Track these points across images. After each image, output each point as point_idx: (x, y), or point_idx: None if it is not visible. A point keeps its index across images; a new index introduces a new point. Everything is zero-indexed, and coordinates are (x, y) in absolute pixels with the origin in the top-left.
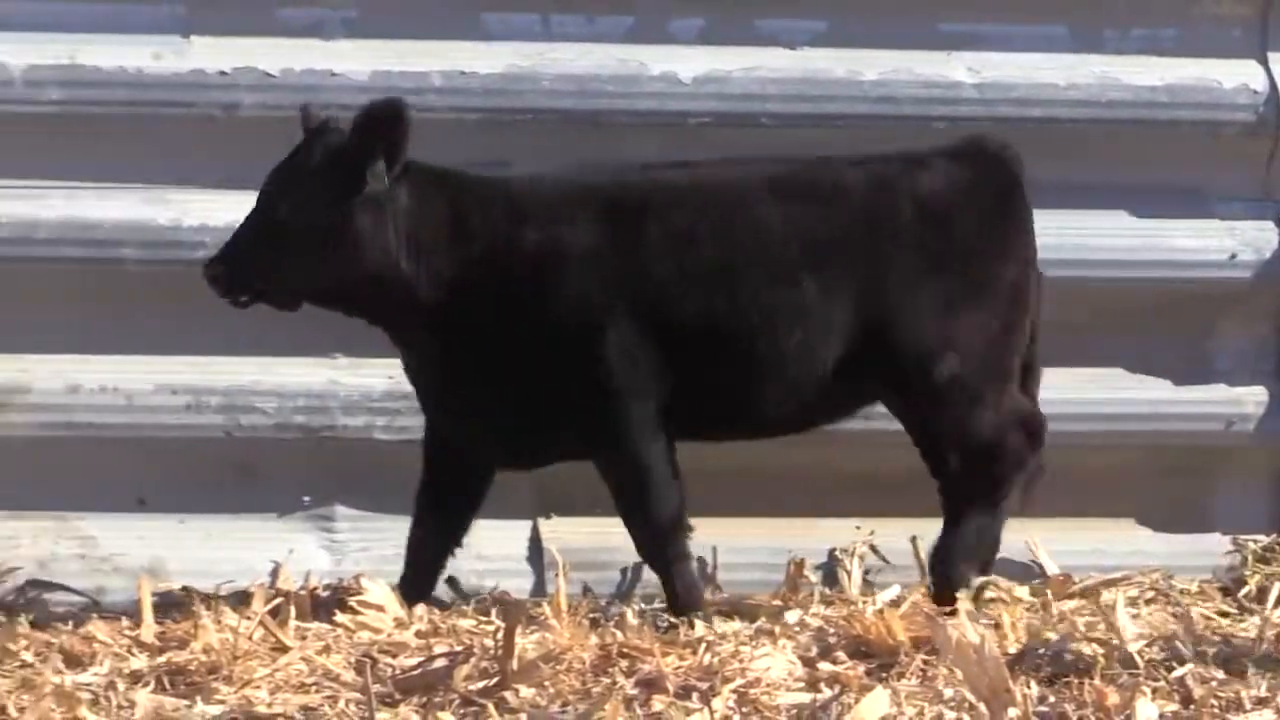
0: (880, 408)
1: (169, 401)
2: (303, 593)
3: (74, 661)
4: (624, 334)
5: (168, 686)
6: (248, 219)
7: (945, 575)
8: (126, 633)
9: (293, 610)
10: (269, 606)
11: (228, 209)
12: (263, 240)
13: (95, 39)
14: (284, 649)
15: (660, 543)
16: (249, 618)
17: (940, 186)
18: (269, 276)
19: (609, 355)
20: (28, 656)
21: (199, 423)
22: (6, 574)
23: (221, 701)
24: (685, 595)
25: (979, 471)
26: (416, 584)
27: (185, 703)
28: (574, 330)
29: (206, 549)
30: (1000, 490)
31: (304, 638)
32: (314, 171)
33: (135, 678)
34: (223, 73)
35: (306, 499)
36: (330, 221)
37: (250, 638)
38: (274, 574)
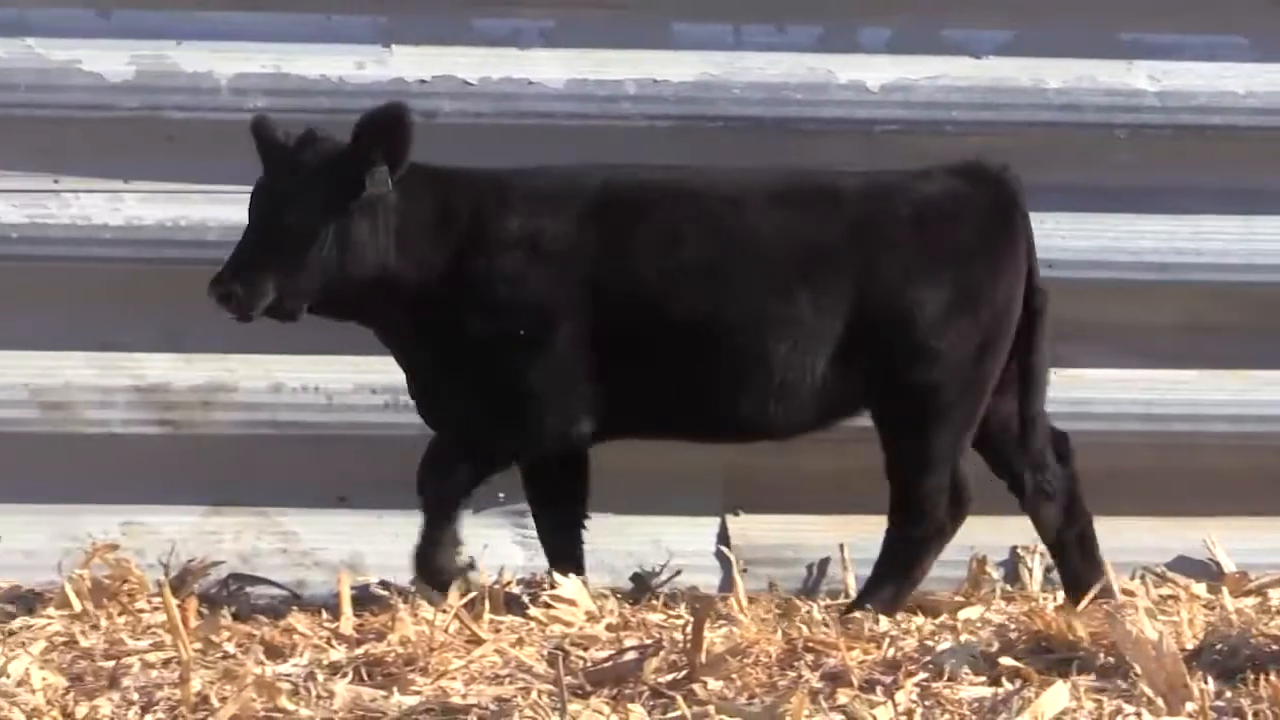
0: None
1: (368, 400)
2: (497, 587)
3: (274, 653)
4: (580, 331)
5: (365, 678)
6: (249, 234)
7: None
8: (326, 625)
9: (487, 604)
10: (464, 600)
11: None
12: (271, 252)
13: (300, 48)
14: (478, 641)
15: (442, 499)
16: (444, 611)
17: (937, 196)
18: (281, 287)
19: (558, 350)
20: (230, 648)
21: (397, 421)
22: (210, 568)
23: (418, 692)
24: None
25: (908, 515)
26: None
27: (382, 693)
28: (532, 324)
29: (404, 544)
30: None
31: (498, 630)
32: (312, 179)
33: (334, 669)
34: (422, 81)
35: (502, 495)
36: (332, 227)
37: (446, 630)
38: (470, 567)
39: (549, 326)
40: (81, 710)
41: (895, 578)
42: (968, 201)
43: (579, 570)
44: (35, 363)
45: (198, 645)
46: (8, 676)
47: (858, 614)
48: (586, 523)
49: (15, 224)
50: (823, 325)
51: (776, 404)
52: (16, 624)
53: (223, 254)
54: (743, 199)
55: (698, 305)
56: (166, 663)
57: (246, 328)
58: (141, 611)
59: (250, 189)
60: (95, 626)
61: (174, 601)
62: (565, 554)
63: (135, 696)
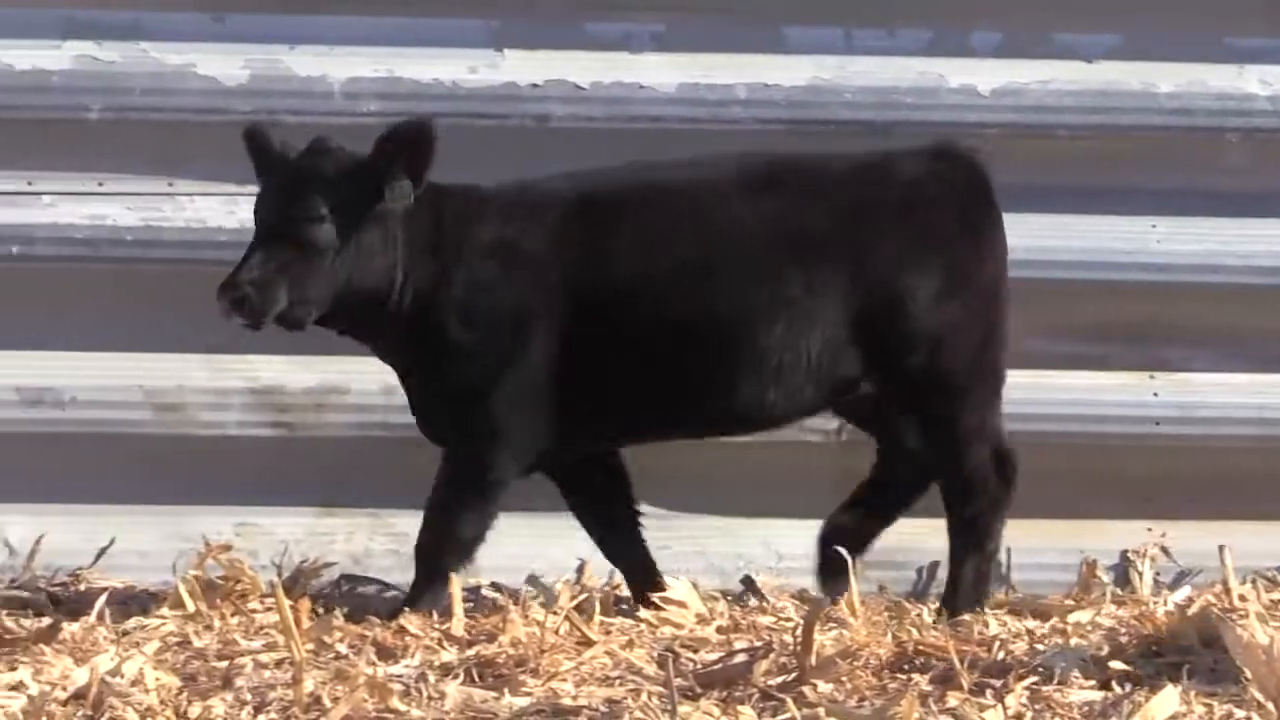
0: None
1: None
2: (607, 589)
3: (386, 654)
4: (555, 343)
5: (476, 679)
6: (261, 241)
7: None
8: (437, 626)
9: (597, 606)
10: (575, 602)
11: None
12: (284, 261)
13: (413, 52)
14: (589, 643)
15: (441, 553)
16: (555, 613)
17: (921, 175)
18: (293, 295)
19: (530, 361)
20: (342, 648)
21: None
22: (323, 569)
23: (528, 694)
24: (419, 602)
25: (960, 496)
26: (642, 584)
27: (493, 694)
28: (507, 332)
29: (514, 546)
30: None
31: (608, 632)
32: (329, 188)
33: (445, 670)
34: (534, 85)
35: None
36: (347, 236)
37: (557, 632)
38: (579, 570)
39: (531, 333)
40: (194, 710)
41: (973, 562)
42: (951, 183)
43: (651, 572)
44: (150, 365)
45: (310, 646)
46: (122, 676)
47: (965, 616)
48: (642, 520)
49: (130, 227)
50: (815, 310)
51: (773, 392)
52: (130, 624)
53: None
54: (724, 191)
55: (688, 301)
56: (279, 663)
57: None
58: (254, 612)
59: None
60: (209, 627)
61: (287, 602)
62: (628, 557)
63: (248, 697)
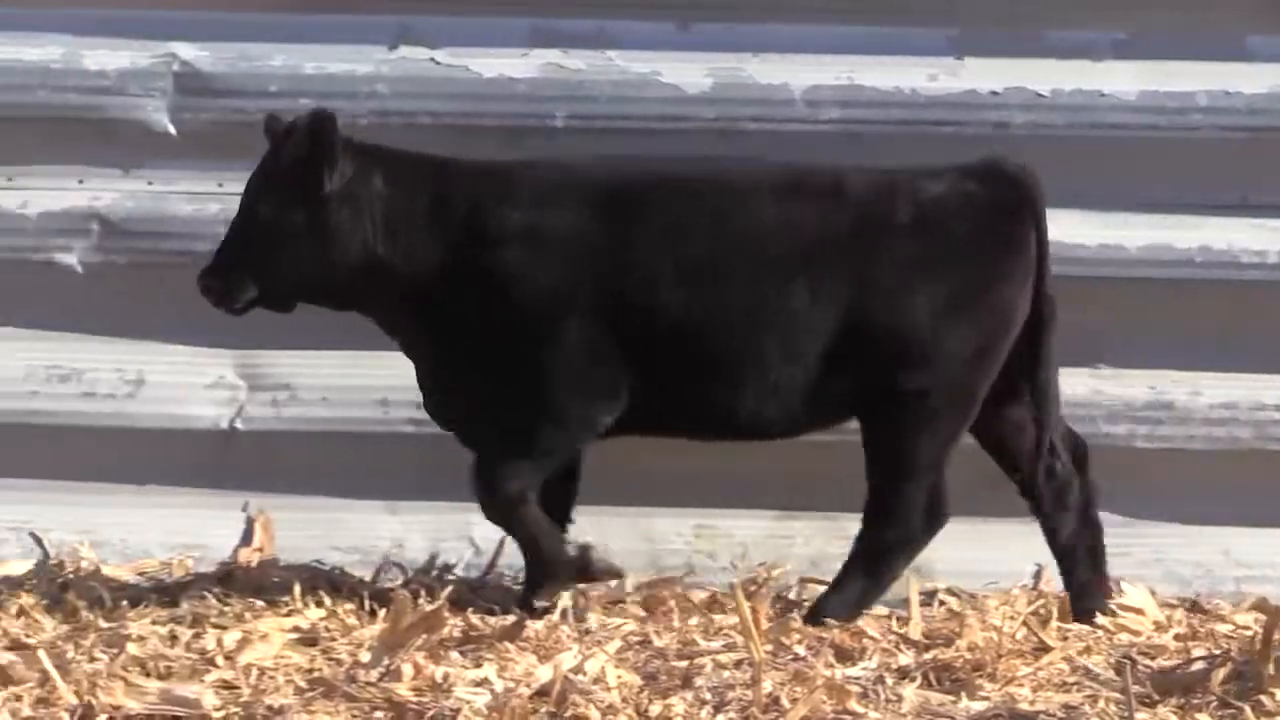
0: None
1: None
2: (1063, 594)
3: (844, 656)
4: (588, 326)
5: (934, 682)
6: (232, 227)
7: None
8: (895, 630)
9: (1054, 611)
10: (1032, 608)
11: None
12: (249, 245)
13: (873, 60)
14: (1046, 649)
15: (507, 510)
16: (1012, 618)
17: (941, 195)
18: (261, 279)
19: (565, 346)
20: (800, 650)
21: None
22: (780, 572)
23: (985, 698)
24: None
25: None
26: None
27: (950, 698)
28: (537, 316)
29: (971, 551)
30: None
31: (1065, 638)
32: (285, 173)
33: (902, 673)
34: (994, 92)
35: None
36: (305, 220)
37: (1014, 637)
38: (1036, 576)
39: (556, 319)
40: (655, 709)
41: (862, 581)
42: (972, 203)
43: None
44: None
45: (769, 647)
46: (584, 674)
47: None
48: (570, 527)
49: None
50: (817, 323)
51: (772, 402)
52: (593, 623)
53: None
54: (747, 192)
55: (694, 301)
56: (738, 664)
57: None
58: (714, 613)
59: None
60: (669, 628)
61: (746, 604)
62: None
63: (708, 696)
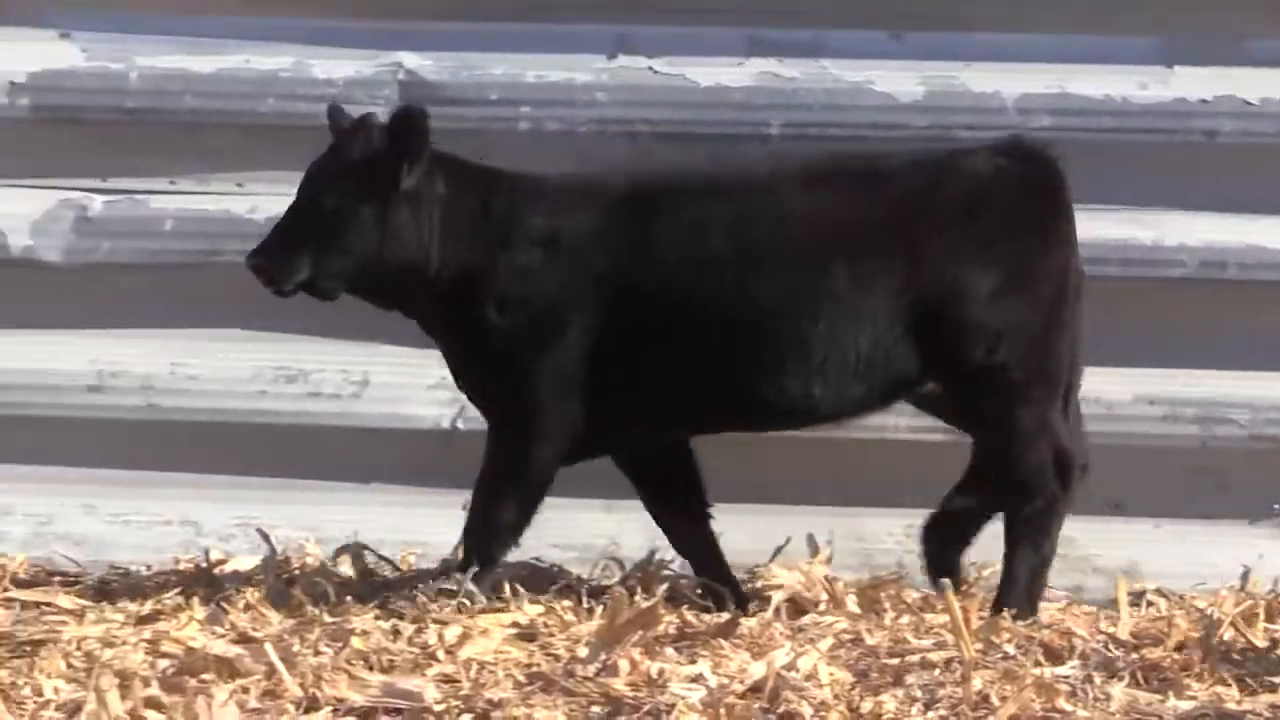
0: None
1: (1146, 412)
2: (1271, 596)
3: (1053, 655)
4: (591, 334)
5: (1142, 681)
6: (290, 211)
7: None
8: (1103, 629)
9: (1261, 612)
10: (1239, 609)
11: (1211, 230)
12: (307, 232)
13: (1084, 69)
14: (1254, 649)
15: (489, 534)
16: (1222, 618)
17: (985, 172)
18: (316, 265)
19: (566, 353)
20: (1009, 649)
21: (1174, 433)
22: (990, 572)
23: (1193, 697)
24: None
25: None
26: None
27: (1158, 697)
28: (549, 319)
29: (1180, 552)
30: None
31: (1273, 639)
32: (355, 166)
33: (1111, 671)
34: (1204, 101)
35: (1277, 506)
36: (371, 213)
37: (1221, 638)
38: (1243, 578)
39: (577, 320)
40: (866, 705)
41: (1027, 563)
42: (1013, 179)
43: (720, 562)
44: None
45: (979, 646)
46: (797, 670)
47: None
48: (711, 512)
49: None
50: (865, 307)
51: (818, 388)
52: (806, 620)
53: None
54: (776, 184)
55: (732, 292)
56: (948, 662)
57: None
58: (924, 612)
59: None
60: (880, 626)
61: (957, 603)
62: (698, 549)
63: (918, 694)
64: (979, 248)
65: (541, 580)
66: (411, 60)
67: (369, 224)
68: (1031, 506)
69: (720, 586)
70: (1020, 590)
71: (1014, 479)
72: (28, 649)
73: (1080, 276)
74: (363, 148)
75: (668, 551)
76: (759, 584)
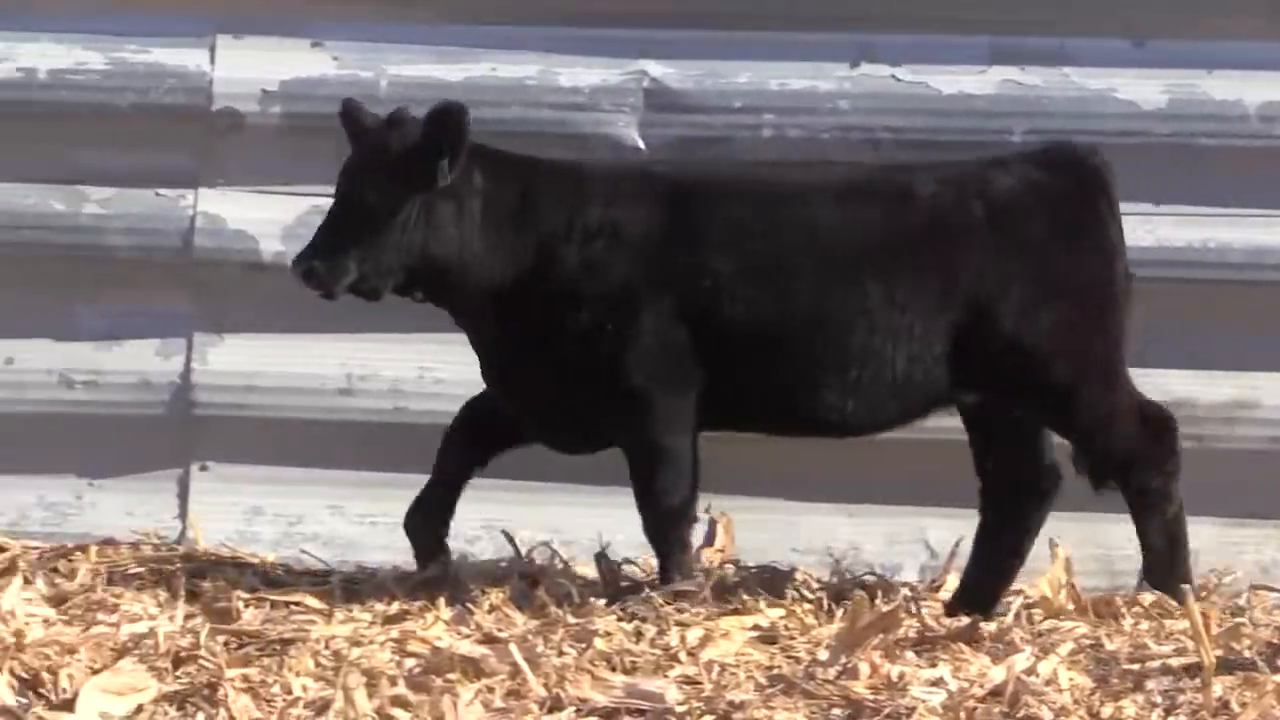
0: None
1: None
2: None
3: None
4: (664, 322)
5: None
6: (332, 214)
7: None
8: None
9: None
10: None
11: None
12: (351, 233)
13: None
14: None
15: (665, 529)
16: None
17: (1014, 186)
18: (362, 265)
19: (644, 342)
20: (1250, 655)
21: None
22: (1230, 579)
23: None
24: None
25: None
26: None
27: None
28: (615, 313)
29: None
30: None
31: None
32: (396, 163)
33: None
34: None
35: None
36: (415, 209)
37: None
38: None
39: (636, 312)
40: (1106, 711)
41: (1156, 525)
42: (1044, 190)
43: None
44: None
45: (1219, 652)
46: (1037, 675)
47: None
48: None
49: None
50: (899, 322)
51: (854, 400)
52: (1045, 625)
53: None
54: (816, 194)
55: (770, 301)
56: (1188, 668)
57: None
58: (1164, 618)
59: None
60: (1120, 631)
61: (1197, 609)
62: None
63: (1158, 699)
64: (1008, 260)
65: (781, 583)
66: (656, 68)
67: (413, 221)
68: (1138, 478)
69: None
70: (1163, 559)
71: (1108, 463)
72: (277, 647)
73: (1128, 280)
74: (400, 144)
75: (906, 557)
76: None
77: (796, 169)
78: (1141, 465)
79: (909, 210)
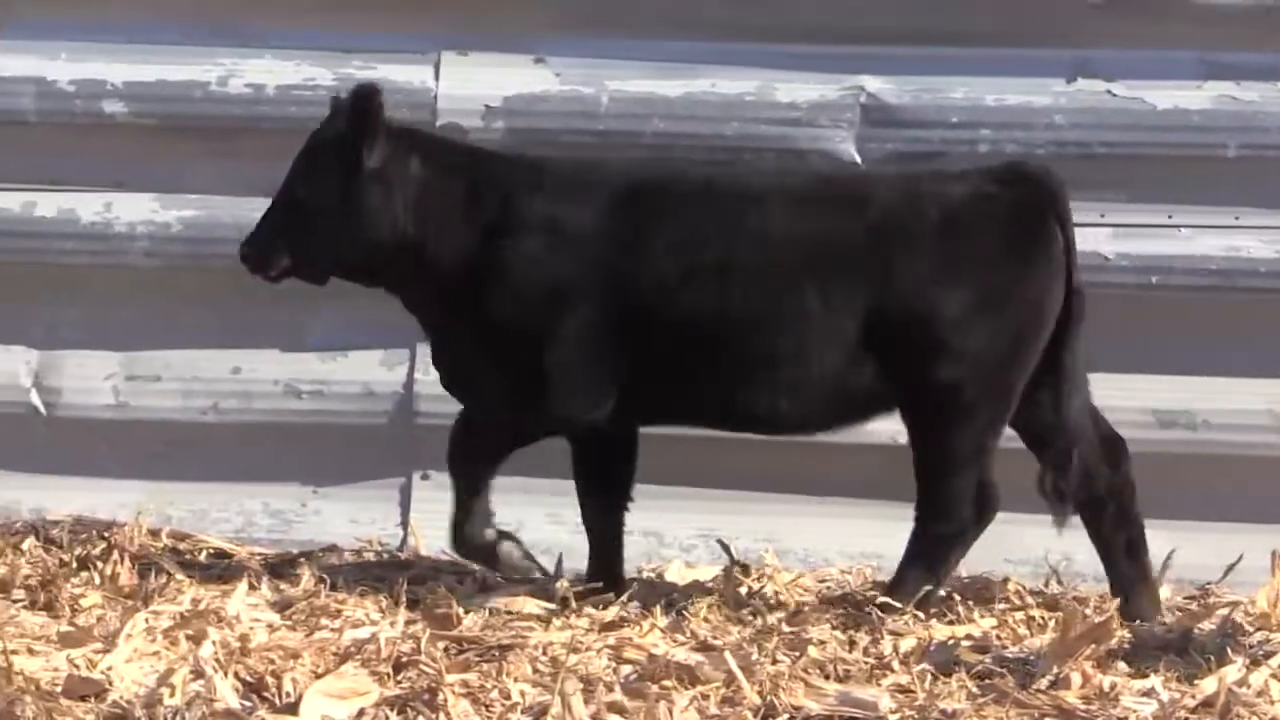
0: None
1: None
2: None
3: None
4: (593, 317)
5: None
6: (273, 201)
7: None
8: None
9: None
10: None
11: None
12: (285, 220)
13: None
14: None
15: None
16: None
17: (965, 197)
18: (294, 253)
19: (570, 336)
20: None
21: None
22: None
23: None
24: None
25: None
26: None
27: None
28: (548, 306)
29: None
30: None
31: None
32: (324, 152)
33: None
34: None
35: None
36: (342, 197)
37: None
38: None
39: (568, 311)
40: None
41: (917, 575)
42: (995, 204)
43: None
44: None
45: None
46: (1248, 687)
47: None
48: (630, 505)
49: (1265, 259)
50: (835, 324)
51: (786, 400)
52: (1257, 637)
53: None
54: (766, 197)
55: (710, 300)
56: None
57: None
58: None
59: None
60: None
61: None
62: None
63: None
64: (948, 270)
65: (994, 594)
66: (873, 84)
67: (337, 207)
68: (943, 528)
69: None
70: (907, 599)
71: (936, 499)
72: (496, 653)
73: (1081, 299)
74: (330, 132)
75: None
76: (1210, 600)
77: (758, 170)
78: (953, 521)
79: (857, 216)
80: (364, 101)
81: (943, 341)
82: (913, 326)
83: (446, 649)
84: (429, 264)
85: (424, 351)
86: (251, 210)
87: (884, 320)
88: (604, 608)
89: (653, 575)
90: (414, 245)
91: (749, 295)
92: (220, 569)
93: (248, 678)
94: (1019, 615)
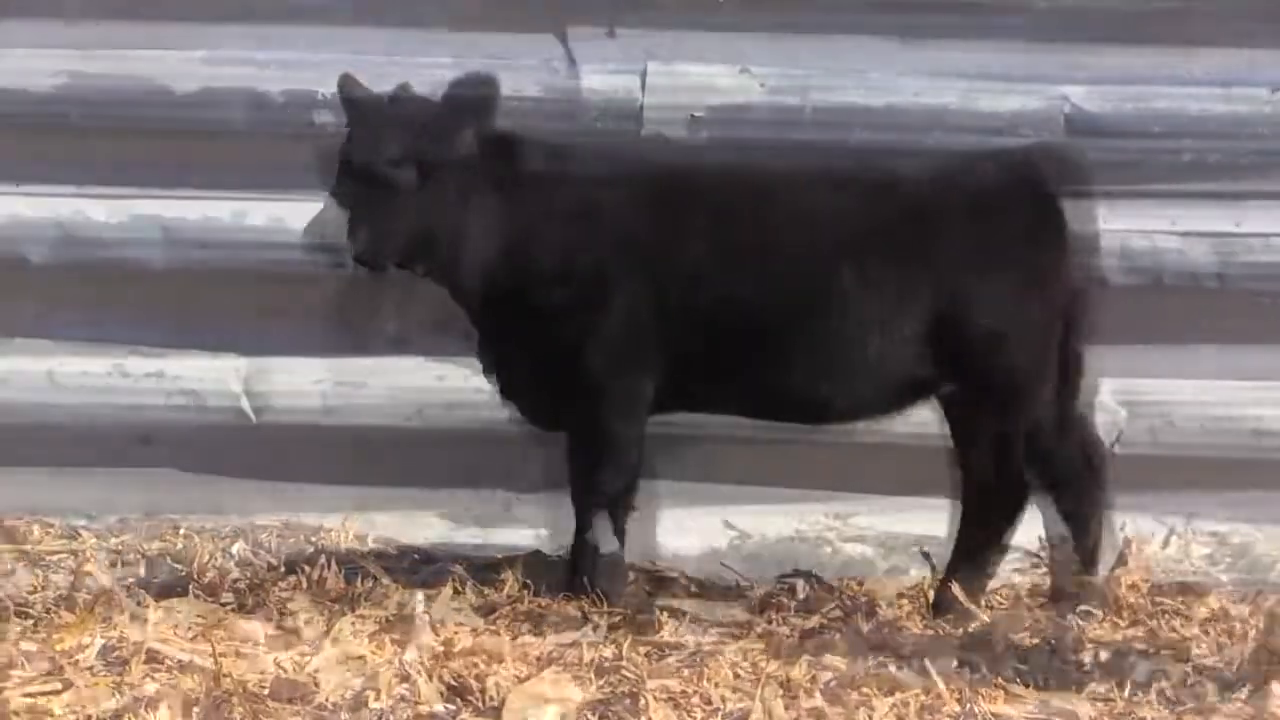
0: None
1: None
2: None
3: None
4: (634, 307)
5: None
6: (339, 185)
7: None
8: None
9: None
10: None
11: None
12: (363, 202)
13: None
14: None
15: (588, 518)
16: None
17: (989, 179)
18: (366, 238)
19: (611, 326)
20: None
21: None
22: None
23: None
24: (584, 568)
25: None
26: None
27: None
28: (587, 295)
29: None
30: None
31: None
32: (405, 134)
33: None
34: None
35: None
36: (419, 183)
37: None
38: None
39: (609, 298)
40: None
41: (976, 571)
42: (1023, 186)
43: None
44: None
45: None
46: None
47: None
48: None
49: None
50: (876, 310)
51: (830, 386)
52: None
53: None
54: (799, 184)
55: (747, 286)
56: None
57: None
58: None
59: None
60: None
61: None
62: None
63: None
64: (982, 254)
65: (1194, 602)
66: (1076, 93)
67: (421, 192)
68: (1000, 513)
69: None
70: (969, 577)
71: (1002, 482)
72: (697, 659)
73: (1091, 283)
74: (415, 117)
75: None
76: None
77: (787, 158)
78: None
79: (893, 201)
80: (486, 89)
81: (984, 327)
82: (952, 309)
83: (648, 654)
84: (480, 253)
85: None
86: None
87: (920, 304)
88: (806, 617)
89: (854, 584)
90: (471, 235)
91: (792, 281)
92: (425, 574)
93: (452, 681)
94: (1221, 624)
